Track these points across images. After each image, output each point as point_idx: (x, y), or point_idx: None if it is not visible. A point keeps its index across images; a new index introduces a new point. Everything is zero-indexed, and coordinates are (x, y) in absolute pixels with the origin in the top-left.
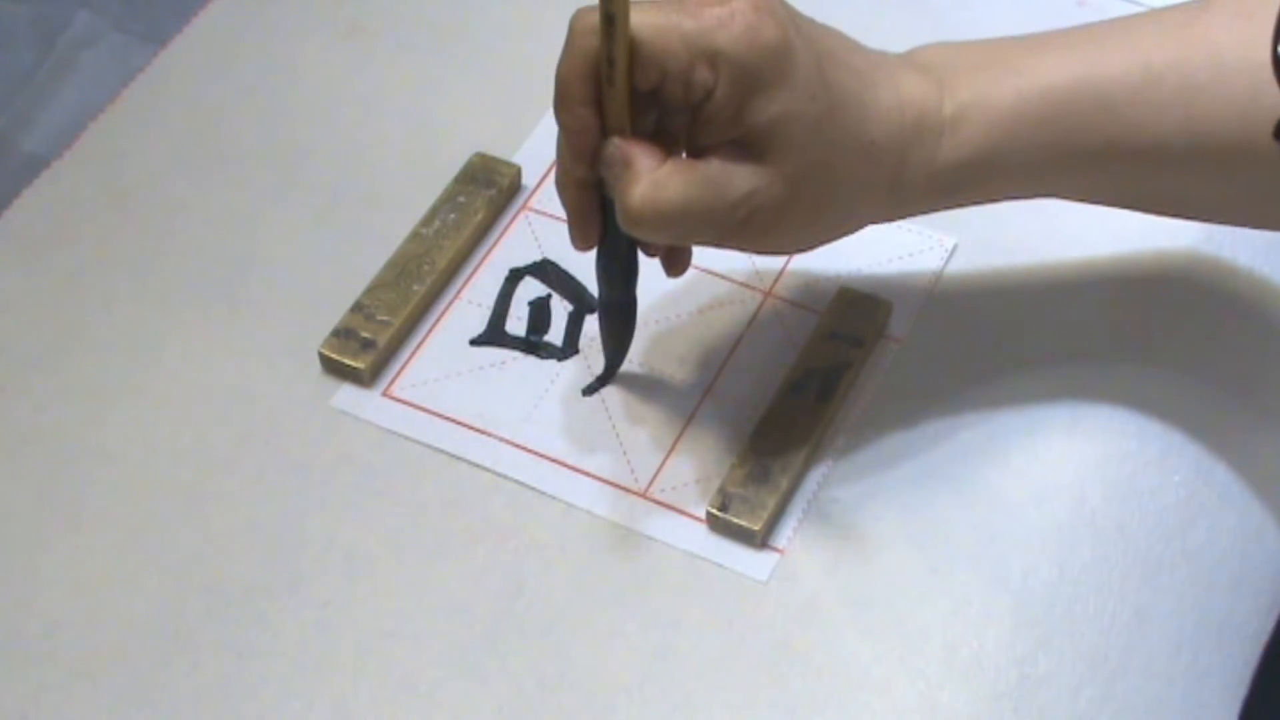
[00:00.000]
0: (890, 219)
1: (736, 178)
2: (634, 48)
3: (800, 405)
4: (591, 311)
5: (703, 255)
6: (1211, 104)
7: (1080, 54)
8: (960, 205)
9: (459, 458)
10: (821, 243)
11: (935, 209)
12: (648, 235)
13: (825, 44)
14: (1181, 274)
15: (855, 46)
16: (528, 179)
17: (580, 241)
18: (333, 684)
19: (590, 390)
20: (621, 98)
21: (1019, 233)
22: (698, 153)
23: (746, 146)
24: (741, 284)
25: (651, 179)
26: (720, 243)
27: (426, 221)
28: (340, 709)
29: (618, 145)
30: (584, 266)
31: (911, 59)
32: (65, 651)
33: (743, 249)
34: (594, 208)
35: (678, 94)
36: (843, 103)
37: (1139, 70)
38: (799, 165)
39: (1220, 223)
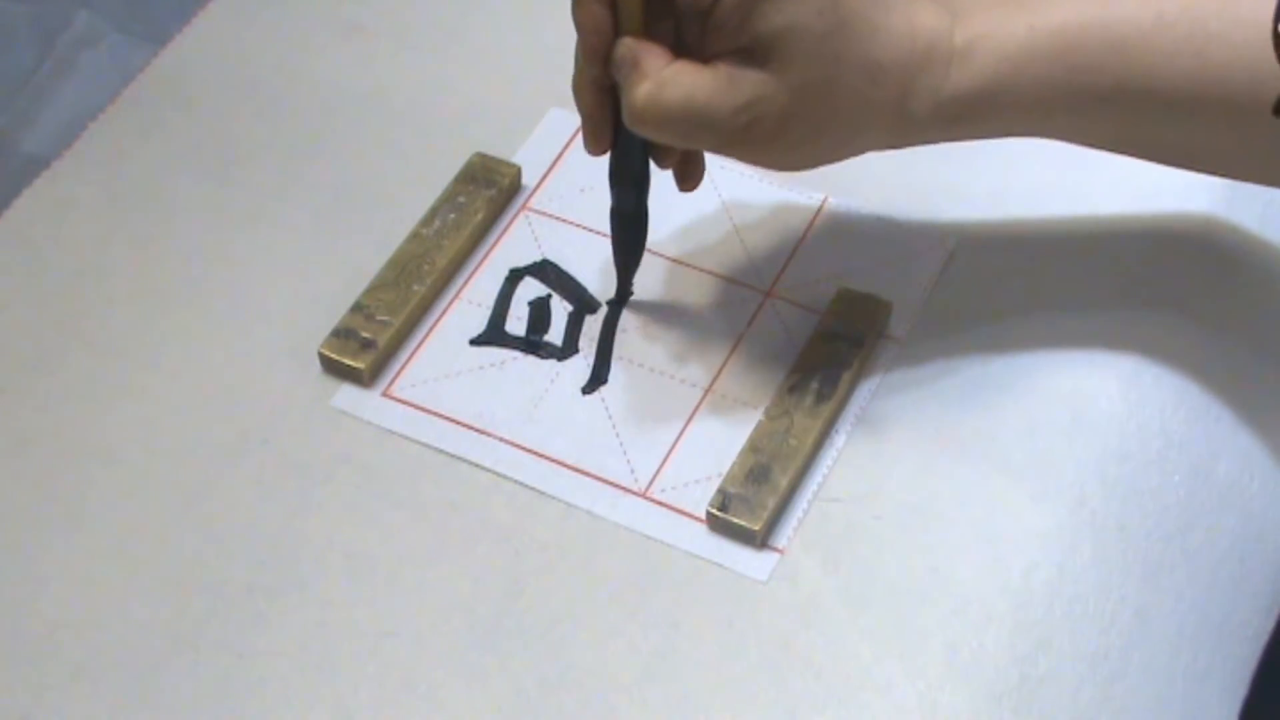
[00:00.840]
0: (894, 146)
1: (741, 83)
2: None
3: (800, 405)
4: (591, 311)
5: (703, 255)
6: (1222, 52)
7: None
8: (965, 138)
9: (459, 458)
10: (821, 162)
11: (939, 139)
12: (651, 133)
13: None
14: (1183, 280)
15: None
16: (528, 179)
17: (592, 144)
18: (333, 684)
19: (591, 387)
20: None
21: (1019, 233)
22: (707, 61)
23: (753, 55)
24: (741, 284)
25: (658, 77)
26: (721, 148)
27: (426, 221)
28: (340, 709)
29: (628, 44)
30: (584, 266)
31: None
32: (65, 651)
33: (742, 159)
34: (607, 111)
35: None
36: (851, 21)
37: (1151, 15)
38: (803, 77)
39: (1226, 176)
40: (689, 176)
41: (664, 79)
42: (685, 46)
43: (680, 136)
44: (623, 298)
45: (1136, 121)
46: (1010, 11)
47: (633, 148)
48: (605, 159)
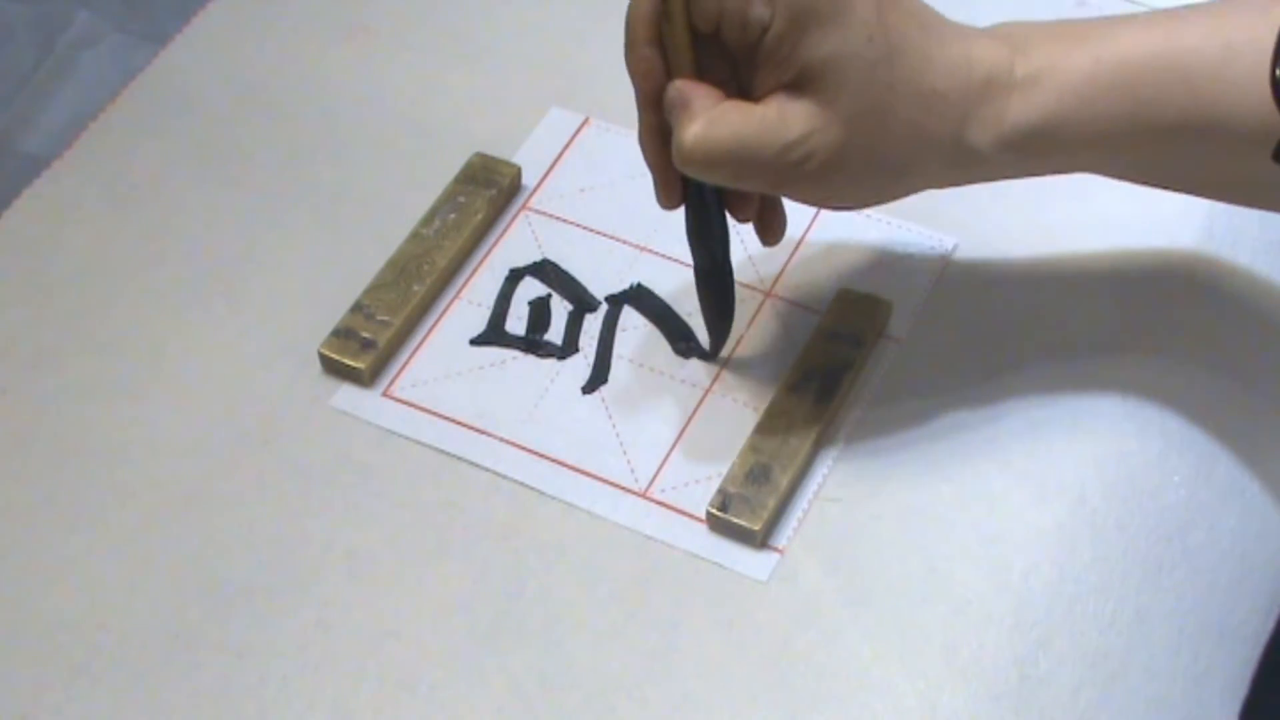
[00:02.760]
0: (956, 181)
1: (791, 118)
2: None
3: (800, 405)
4: (591, 311)
5: None
6: None
7: (1159, 28)
8: (1027, 172)
9: (459, 458)
10: (883, 197)
11: (1001, 174)
12: (701, 173)
13: None
14: (1182, 274)
15: (926, 4)
16: (528, 179)
17: (663, 198)
18: (333, 684)
19: (591, 387)
20: (681, 37)
21: (1019, 233)
22: (758, 99)
23: (803, 87)
24: (742, 284)
25: (707, 117)
26: (776, 186)
27: (426, 221)
28: (340, 709)
29: (678, 87)
30: (584, 266)
31: (984, 29)
32: (65, 651)
33: (801, 198)
34: (672, 162)
35: (736, 33)
36: (903, 48)
37: (1218, 46)
38: (855, 107)
39: None
40: (770, 228)
41: (713, 118)
42: (742, 91)
43: (731, 176)
44: (713, 355)
45: (1205, 156)
46: (1073, 44)
47: (706, 201)
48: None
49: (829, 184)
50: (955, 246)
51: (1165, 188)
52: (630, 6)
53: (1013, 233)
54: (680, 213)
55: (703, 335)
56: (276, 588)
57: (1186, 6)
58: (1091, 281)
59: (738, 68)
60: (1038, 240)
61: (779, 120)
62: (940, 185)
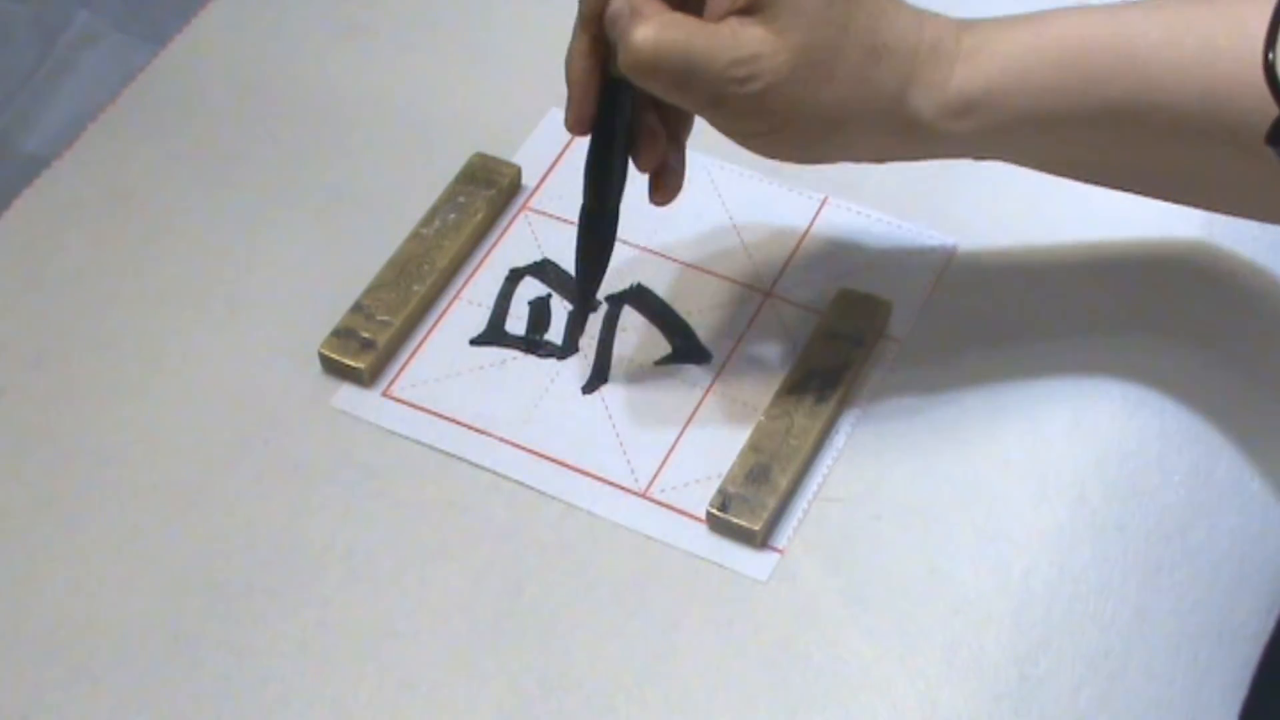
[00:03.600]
0: (895, 152)
1: (743, 36)
2: None
3: (800, 405)
4: (592, 310)
5: (703, 255)
6: (1233, 68)
7: (1104, 11)
8: (969, 151)
9: (459, 458)
10: (817, 154)
11: (941, 151)
12: (644, 78)
13: None
14: (1182, 275)
15: None
16: (528, 179)
17: (573, 121)
18: (333, 684)
19: (591, 387)
20: None
21: (1019, 233)
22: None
23: (758, 13)
24: (741, 284)
25: (660, 19)
26: (713, 105)
27: (426, 221)
28: (340, 709)
29: None
30: None
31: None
32: (65, 651)
33: (732, 127)
34: (594, 85)
35: None
36: None
37: (1161, 28)
38: (806, 40)
39: (1232, 211)
40: (665, 186)
41: (665, 21)
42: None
43: (672, 85)
44: (586, 311)
45: (1145, 142)
46: (1017, 22)
47: (614, 137)
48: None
49: (764, 114)
50: (955, 246)
51: (1105, 181)
52: None
53: (1013, 232)
54: (683, 214)
55: (703, 336)
56: (276, 588)
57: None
58: (1091, 282)
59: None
60: (1038, 240)
61: (730, 37)
62: (881, 155)
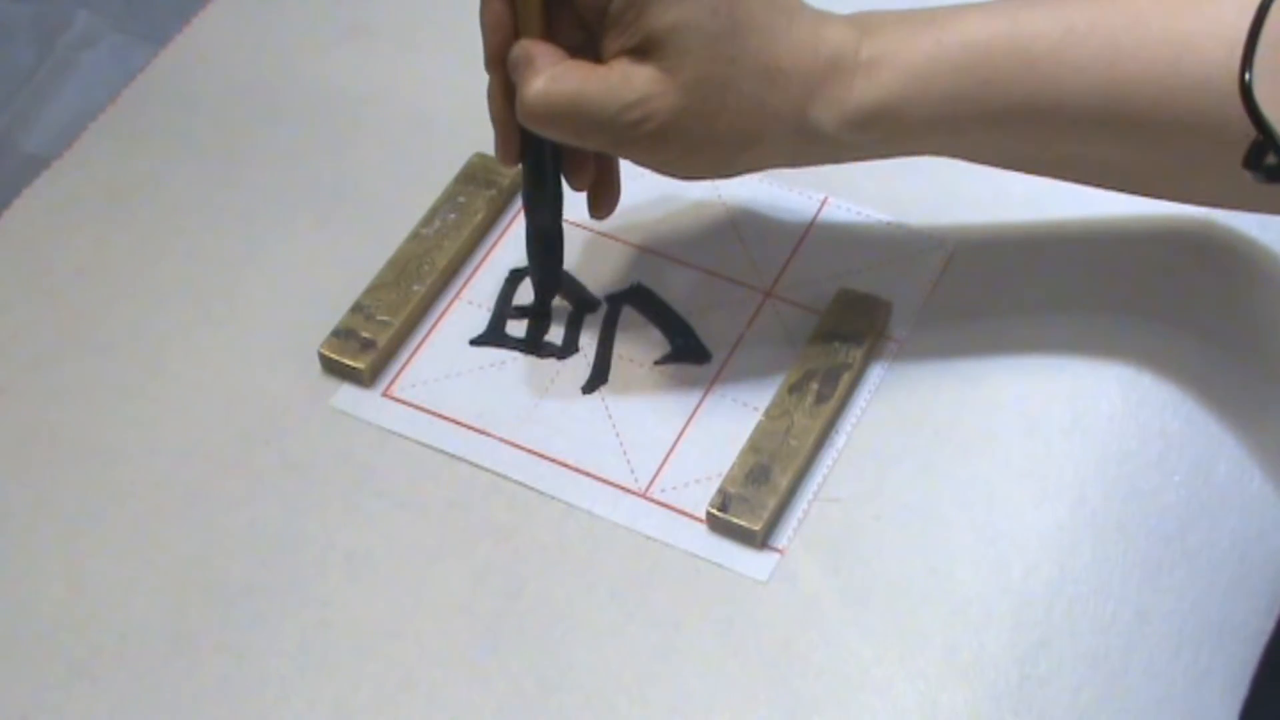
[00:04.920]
0: (801, 161)
1: (633, 79)
2: None
3: (800, 405)
4: (591, 310)
5: (703, 255)
6: (1132, 67)
7: (1004, 12)
8: (875, 154)
9: (459, 458)
10: (726, 171)
11: (849, 155)
12: (543, 129)
13: None
14: (1182, 275)
15: None
16: None
17: (502, 155)
18: (333, 684)
19: (591, 387)
20: None
21: (1019, 233)
22: (605, 63)
23: (646, 52)
24: (741, 284)
25: (550, 73)
26: (614, 147)
27: (426, 221)
28: (340, 709)
29: (523, 45)
30: (584, 266)
31: (840, 15)
32: (65, 651)
33: (639, 161)
34: (513, 121)
35: None
36: (748, 25)
37: (1061, 28)
38: (695, 75)
39: (1142, 194)
40: (602, 201)
41: (555, 74)
42: (594, 60)
43: (571, 133)
44: (541, 314)
45: (1048, 138)
46: (918, 27)
47: (544, 163)
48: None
49: (667, 149)
50: (955, 247)
51: (1023, 171)
52: None
53: (1013, 232)
54: (683, 213)
55: (704, 336)
56: (276, 588)
57: None
58: (1091, 282)
59: (589, 36)
60: (1037, 241)
61: (620, 81)
62: (791, 163)
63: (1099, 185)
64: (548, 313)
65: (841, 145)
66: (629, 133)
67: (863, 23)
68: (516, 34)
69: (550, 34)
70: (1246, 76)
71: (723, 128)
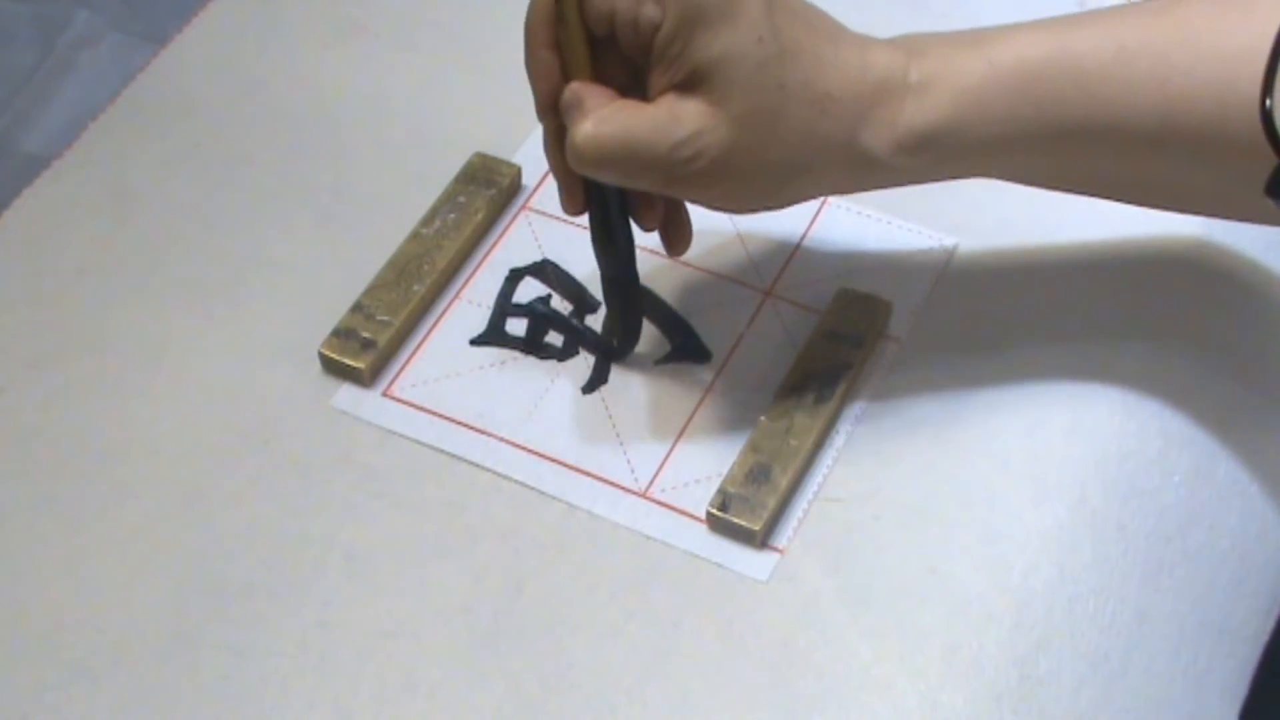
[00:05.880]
0: (854, 187)
1: (682, 115)
2: None
3: (800, 405)
4: (592, 311)
5: (703, 255)
6: (1186, 85)
7: (1054, 32)
8: (926, 178)
9: (459, 458)
10: (778, 202)
11: (900, 180)
12: (595, 173)
13: None
14: (1183, 274)
15: (821, 11)
16: (528, 179)
17: (566, 203)
18: (333, 684)
19: (591, 387)
20: (576, 39)
21: (1019, 233)
22: (652, 100)
23: (693, 86)
24: (742, 284)
25: (597, 115)
26: (667, 186)
27: (426, 221)
28: (340, 709)
29: (572, 88)
30: (584, 266)
31: (883, 39)
32: (65, 651)
33: (693, 199)
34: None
35: (629, 34)
36: (794, 51)
37: (1113, 48)
38: (745, 107)
39: (1194, 213)
40: (675, 240)
41: (603, 115)
42: (641, 97)
43: (622, 175)
44: (622, 356)
45: (1101, 158)
46: (967, 48)
47: (609, 208)
48: None
49: (720, 184)
50: (955, 246)
51: (1072, 191)
52: (528, 11)
53: (1013, 232)
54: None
55: (704, 336)
56: (276, 588)
57: (1082, 12)
58: (1092, 281)
59: (638, 74)
60: (1038, 240)
61: (669, 118)
62: (840, 191)
63: (1150, 205)
64: (630, 351)
65: (892, 170)
66: (681, 170)
67: (908, 45)
68: (565, 78)
69: (598, 76)
70: (1268, 103)
71: (774, 158)
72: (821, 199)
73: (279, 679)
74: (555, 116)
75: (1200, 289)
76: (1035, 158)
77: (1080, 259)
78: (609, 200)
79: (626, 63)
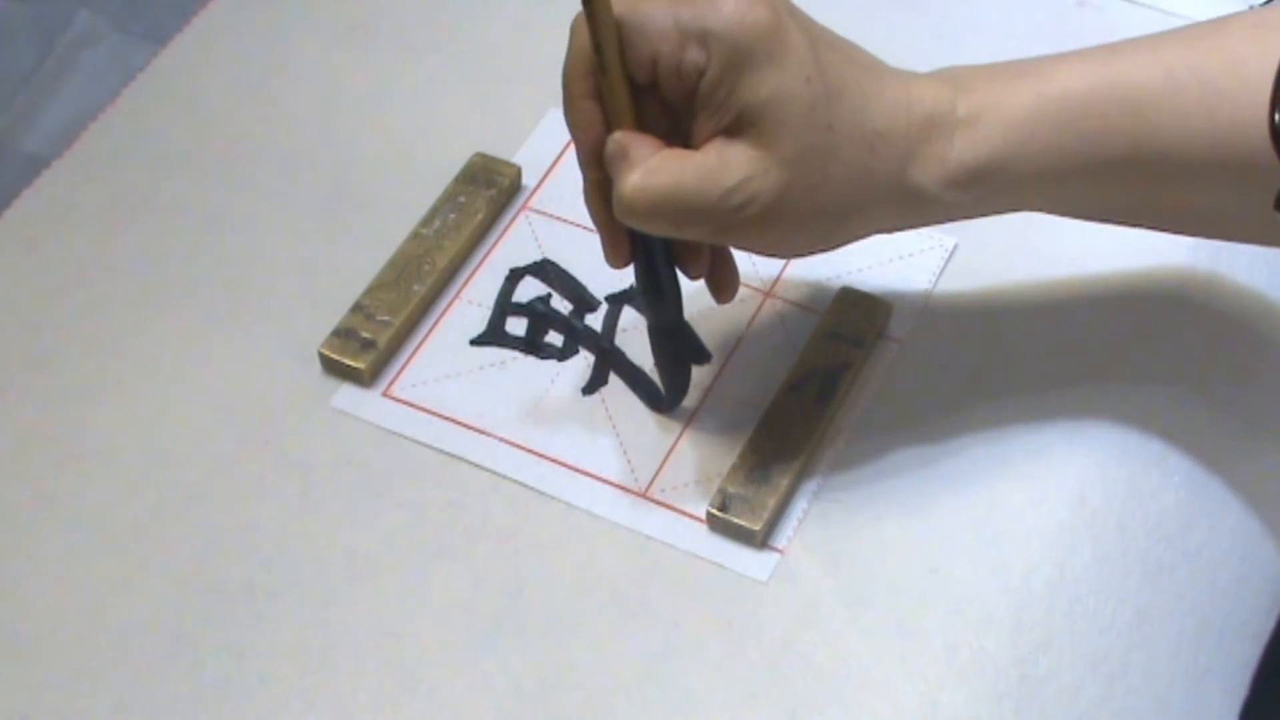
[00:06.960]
0: (905, 224)
1: (731, 162)
2: (621, 31)
3: (800, 405)
4: (591, 310)
5: None
6: (1235, 111)
7: (1101, 62)
8: (977, 212)
9: (459, 458)
10: (829, 244)
11: (951, 216)
12: (644, 225)
13: (823, 34)
14: (1183, 274)
15: (859, 46)
16: (528, 179)
17: (611, 257)
18: (333, 684)
19: (591, 387)
20: (617, 87)
21: (1019, 234)
22: (698, 147)
23: (741, 131)
24: (742, 284)
25: (645, 165)
26: (718, 234)
27: (426, 221)
28: (340, 709)
29: (616, 139)
30: (584, 266)
31: (925, 72)
32: (65, 651)
33: (745, 246)
34: (616, 221)
35: (672, 80)
36: (841, 89)
37: (1161, 76)
38: (795, 149)
39: (1243, 240)
40: (722, 285)
41: (651, 166)
42: (685, 144)
43: (673, 226)
44: (670, 408)
45: (1152, 188)
46: (1014, 80)
47: (655, 259)
48: None
49: (772, 230)
50: (955, 246)
51: (1117, 222)
52: (565, 62)
53: (1013, 234)
54: None
55: (704, 336)
56: (276, 588)
57: (1127, 39)
58: (1092, 281)
59: (680, 120)
60: (1038, 240)
61: (718, 165)
62: (889, 229)
63: (1202, 234)
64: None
65: (943, 205)
66: (732, 218)
67: (952, 78)
68: (607, 128)
69: (640, 123)
70: (1277, 118)
71: (826, 200)
72: None
73: (279, 679)
74: (598, 168)
75: (1201, 290)
76: (1083, 189)
77: (1081, 259)
78: (655, 251)
79: (667, 110)
